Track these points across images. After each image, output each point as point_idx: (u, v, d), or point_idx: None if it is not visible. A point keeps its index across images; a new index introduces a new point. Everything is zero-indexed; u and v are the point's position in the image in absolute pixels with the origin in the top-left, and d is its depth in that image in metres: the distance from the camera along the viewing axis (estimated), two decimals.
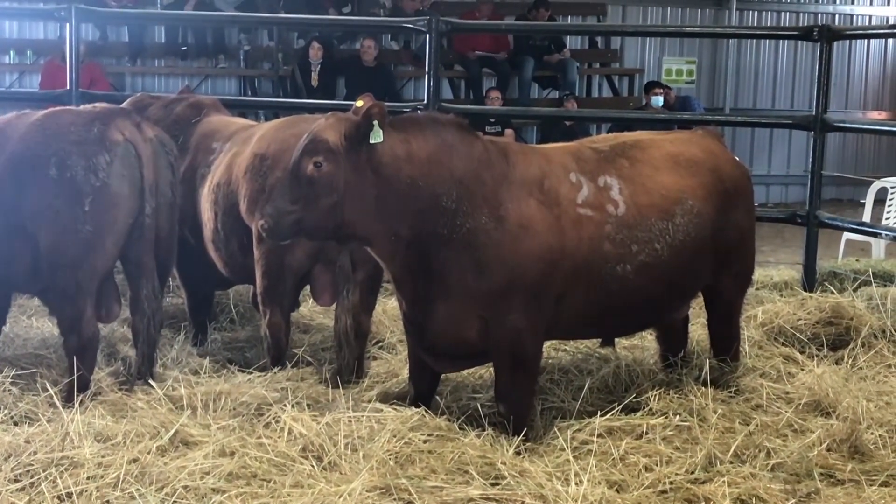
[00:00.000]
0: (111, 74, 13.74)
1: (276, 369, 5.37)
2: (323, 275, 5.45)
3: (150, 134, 5.17)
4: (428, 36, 7.85)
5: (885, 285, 7.21)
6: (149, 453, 4.14)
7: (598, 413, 4.67)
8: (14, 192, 4.92)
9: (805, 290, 7.25)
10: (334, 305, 5.50)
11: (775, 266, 8.64)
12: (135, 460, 4.07)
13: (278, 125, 5.74)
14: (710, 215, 5.00)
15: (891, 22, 18.42)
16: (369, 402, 4.82)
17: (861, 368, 5.59)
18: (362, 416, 4.48)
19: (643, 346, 5.85)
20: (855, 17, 18.11)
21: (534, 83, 15.00)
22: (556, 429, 4.60)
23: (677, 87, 15.66)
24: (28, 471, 4.03)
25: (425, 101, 7.91)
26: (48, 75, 12.20)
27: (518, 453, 4.34)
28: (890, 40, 17.74)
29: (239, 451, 4.19)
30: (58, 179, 4.87)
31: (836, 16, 17.92)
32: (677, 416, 4.68)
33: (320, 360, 5.72)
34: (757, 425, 4.69)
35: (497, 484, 4.04)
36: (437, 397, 4.95)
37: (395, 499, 3.89)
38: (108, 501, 3.86)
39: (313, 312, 6.68)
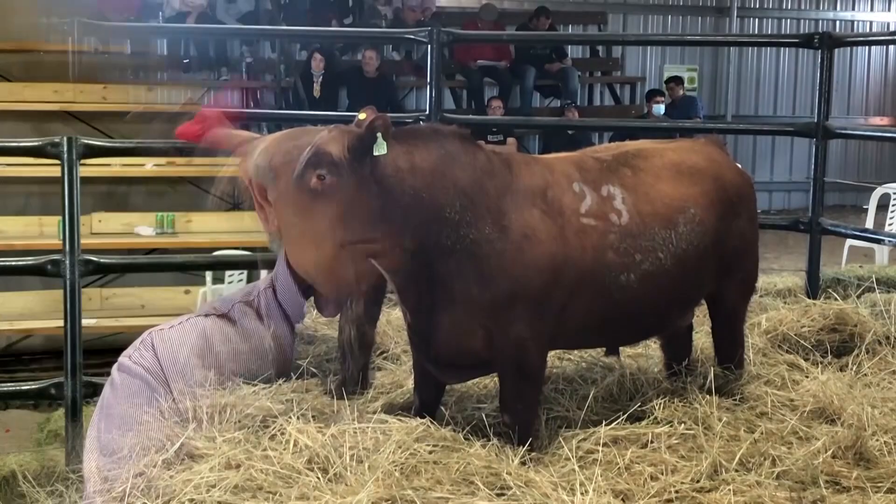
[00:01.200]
0: None
1: (280, 381, 5.37)
2: None
3: None
4: (429, 46, 7.85)
5: (889, 291, 7.20)
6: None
7: (603, 422, 4.66)
8: None
9: (809, 297, 7.23)
10: (338, 316, 5.51)
11: (779, 273, 8.63)
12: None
13: (281, 137, 5.74)
14: (713, 223, 4.99)
15: (891, 28, 18.46)
16: (374, 413, 4.80)
17: (866, 375, 5.57)
18: (367, 427, 4.47)
19: (647, 354, 5.84)
20: (856, 23, 18.15)
21: (535, 92, 15.04)
22: (561, 438, 4.59)
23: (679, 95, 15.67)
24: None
25: (427, 112, 7.92)
26: None
27: (523, 463, 4.33)
28: (891, 46, 17.77)
29: (245, 464, 4.18)
30: None
31: (837, 22, 17.96)
32: (682, 425, 4.67)
33: (325, 371, 5.72)
34: (762, 433, 4.67)
35: (503, 494, 4.03)
36: (442, 408, 4.95)
37: None
38: None
39: (317, 324, 6.68)
